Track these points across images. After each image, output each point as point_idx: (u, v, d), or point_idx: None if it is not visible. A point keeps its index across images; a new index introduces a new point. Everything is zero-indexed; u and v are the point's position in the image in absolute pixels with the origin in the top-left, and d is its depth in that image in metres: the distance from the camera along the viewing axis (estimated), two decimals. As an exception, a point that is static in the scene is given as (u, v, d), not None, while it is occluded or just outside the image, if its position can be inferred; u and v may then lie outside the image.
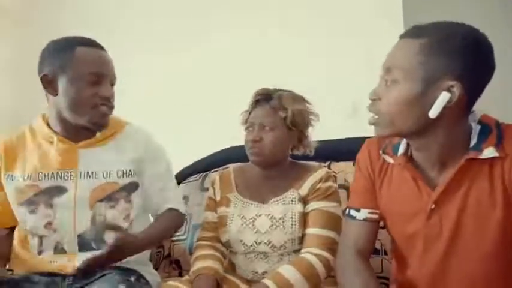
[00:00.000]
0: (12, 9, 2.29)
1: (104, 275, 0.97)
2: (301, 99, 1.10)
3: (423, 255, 0.79)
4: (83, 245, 1.00)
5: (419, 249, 0.79)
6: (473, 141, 0.73)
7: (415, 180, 0.78)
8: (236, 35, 1.83)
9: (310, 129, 1.13)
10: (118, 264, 0.99)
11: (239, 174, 1.17)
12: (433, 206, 0.76)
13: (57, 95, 0.98)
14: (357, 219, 0.87)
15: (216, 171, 1.69)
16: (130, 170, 1.05)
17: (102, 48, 1.02)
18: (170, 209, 1.12)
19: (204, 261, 1.03)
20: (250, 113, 1.11)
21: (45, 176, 0.99)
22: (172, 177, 1.20)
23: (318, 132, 1.16)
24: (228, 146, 1.66)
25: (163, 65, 1.99)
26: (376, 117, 0.75)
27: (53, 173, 0.99)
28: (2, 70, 2.20)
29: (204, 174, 1.69)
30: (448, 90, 0.69)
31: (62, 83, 0.97)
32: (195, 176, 1.70)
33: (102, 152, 1.04)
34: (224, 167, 1.63)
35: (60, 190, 0.99)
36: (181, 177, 1.71)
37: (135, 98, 2.01)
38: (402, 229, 0.83)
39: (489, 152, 0.71)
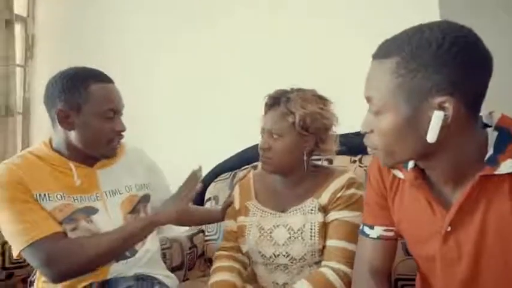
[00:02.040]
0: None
1: (128, 286, 1.01)
2: (313, 101, 1.01)
3: (444, 279, 0.72)
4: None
5: (439, 272, 0.72)
6: (489, 153, 0.63)
7: (427, 200, 0.70)
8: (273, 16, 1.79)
9: (331, 131, 1.05)
10: (134, 271, 1.06)
11: (259, 180, 1.14)
12: (449, 229, 0.68)
13: (72, 129, 1.01)
14: (371, 237, 0.81)
15: (246, 168, 1.69)
16: (144, 184, 1.15)
17: (111, 81, 1.07)
18: None
19: (222, 274, 1.04)
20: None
21: (74, 199, 1.02)
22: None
23: (352, 124, 1.08)
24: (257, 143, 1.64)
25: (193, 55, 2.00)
26: (374, 150, 0.68)
27: (81, 196, 1.03)
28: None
29: (233, 172, 1.70)
30: (440, 107, 0.59)
31: (77, 119, 1.00)
32: (225, 174, 1.71)
33: (117, 170, 1.11)
34: (252, 164, 1.63)
35: (93, 210, 1.04)
36: (210, 177, 1.74)
37: (163, 92, 2.07)
38: (418, 251, 0.76)
39: (507, 167, 0.61)
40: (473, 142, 0.64)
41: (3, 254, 1.26)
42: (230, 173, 1.70)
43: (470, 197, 0.65)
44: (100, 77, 1.04)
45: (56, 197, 1.00)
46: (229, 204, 1.17)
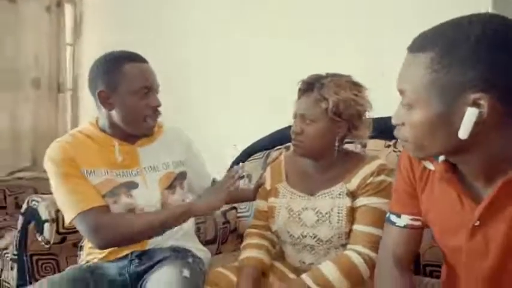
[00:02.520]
0: None
1: (163, 258, 1.10)
2: (347, 87, 1.01)
3: (468, 272, 0.72)
4: None
5: (464, 265, 0.73)
6: None
7: (457, 193, 0.70)
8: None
9: (364, 118, 1.05)
10: (170, 243, 1.15)
11: (290, 163, 1.17)
12: (478, 223, 0.67)
13: (113, 109, 1.08)
14: (397, 226, 0.82)
15: (279, 148, 1.72)
16: (180, 161, 1.21)
17: (145, 61, 1.12)
18: None
19: (251, 251, 1.09)
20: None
21: (116, 174, 1.11)
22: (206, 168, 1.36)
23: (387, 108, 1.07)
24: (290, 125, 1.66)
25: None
26: (405, 143, 0.67)
27: (123, 171, 1.12)
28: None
29: (267, 152, 1.73)
30: (475, 104, 0.58)
31: (116, 99, 1.07)
32: (259, 154, 1.75)
33: (156, 147, 1.17)
34: (285, 145, 1.65)
35: (134, 185, 1.13)
36: (246, 155, 1.79)
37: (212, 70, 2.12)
38: (445, 241, 0.76)
39: None
40: (506, 140, 0.62)
41: (57, 220, 1.39)
42: (263, 152, 1.74)
43: (502, 193, 0.64)
44: (133, 57, 1.09)
45: (101, 172, 1.09)
46: (260, 184, 1.21)
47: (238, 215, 1.69)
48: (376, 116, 1.10)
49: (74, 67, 2.60)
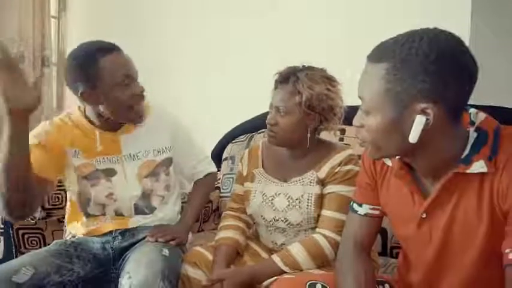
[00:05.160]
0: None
1: (146, 237, 1.16)
2: (320, 82, 1.06)
3: (417, 256, 0.81)
4: (138, 210, 1.21)
5: (413, 250, 0.81)
6: (465, 152, 0.69)
7: (409, 189, 0.77)
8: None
9: (335, 111, 1.09)
10: (154, 224, 1.20)
11: (267, 150, 1.23)
12: (424, 215, 0.75)
13: (99, 104, 1.09)
14: (359, 214, 0.90)
15: (263, 131, 1.77)
16: (164, 148, 1.23)
17: (118, 49, 1.10)
18: (206, 175, 1.35)
19: (227, 232, 1.16)
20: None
21: (97, 161, 1.15)
22: (197, 145, 1.37)
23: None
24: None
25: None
26: (364, 143, 0.74)
27: (103, 157, 1.16)
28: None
29: (251, 135, 1.78)
30: (423, 112, 0.65)
31: (100, 95, 1.07)
32: (242, 136, 1.80)
33: (139, 135, 1.19)
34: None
35: (112, 172, 1.17)
36: (229, 137, 1.84)
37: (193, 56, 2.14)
38: (398, 231, 0.84)
39: (477, 167, 0.67)
40: (451, 142, 0.70)
41: (43, 196, 1.44)
42: (247, 135, 1.79)
43: (444, 191, 0.72)
44: (106, 49, 1.07)
45: (83, 156, 1.14)
46: None
47: (221, 194, 1.76)
48: (356, 104, 1.15)
49: (59, 41, 2.56)
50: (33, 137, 1.08)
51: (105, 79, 1.05)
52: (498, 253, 0.67)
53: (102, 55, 1.06)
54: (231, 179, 1.71)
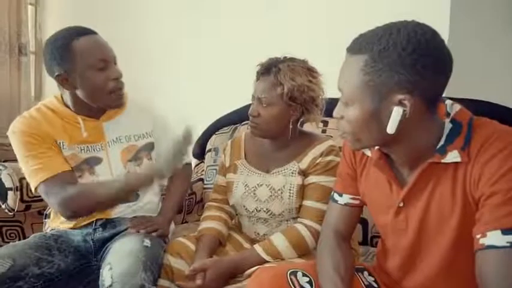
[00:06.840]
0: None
1: (127, 228, 1.16)
2: (302, 73, 1.06)
3: (394, 244, 0.83)
4: None
5: (390, 238, 0.83)
6: (441, 143, 0.71)
7: (387, 178, 0.79)
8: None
9: (317, 102, 1.10)
10: (134, 215, 1.19)
11: (249, 141, 1.23)
12: (402, 204, 0.77)
13: (76, 89, 1.08)
14: (339, 203, 0.91)
15: (247, 123, 1.77)
16: (145, 133, 1.23)
17: (93, 32, 1.08)
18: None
19: (210, 222, 1.17)
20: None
21: (81, 149, 1.14)
22: (173, 134, 1.32)
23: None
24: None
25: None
26: (344, 135, 0.75)
27: (87, 146, 1.14)
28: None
29: (235, 126, 1.78)
30: (400, 104, 0.66)
31: (75, 78, 1.06)
32: (226, 128, 1.80)
33: (121, 120, 1.19)
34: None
35: (97, 160, 1.15)
36: (213, 129, 1.83)
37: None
38: (377, 219, 0.86)
39: (452, 157, 0.69)
40: (428, 133, 0.72)
41: (21, 188, 1.41)
42: (231, 127, 1.79)
43: (420, 180, 0.74)
44: (80, 32, 1.06)
45: (68, 146, 1.12)
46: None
47: (205, 186, 1.76)
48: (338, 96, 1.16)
49: (36, 28, 2.49)
50: (29, 138, 1.08)
51: (78, 61, 1.04)
52: (471, 239, 0.69)
53: (77, 37, 1.05)
54: (214, 171, 1.71)
